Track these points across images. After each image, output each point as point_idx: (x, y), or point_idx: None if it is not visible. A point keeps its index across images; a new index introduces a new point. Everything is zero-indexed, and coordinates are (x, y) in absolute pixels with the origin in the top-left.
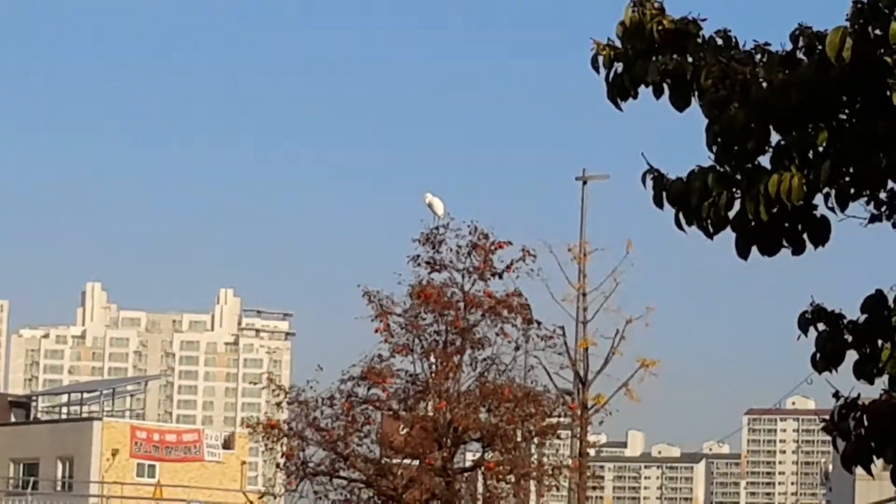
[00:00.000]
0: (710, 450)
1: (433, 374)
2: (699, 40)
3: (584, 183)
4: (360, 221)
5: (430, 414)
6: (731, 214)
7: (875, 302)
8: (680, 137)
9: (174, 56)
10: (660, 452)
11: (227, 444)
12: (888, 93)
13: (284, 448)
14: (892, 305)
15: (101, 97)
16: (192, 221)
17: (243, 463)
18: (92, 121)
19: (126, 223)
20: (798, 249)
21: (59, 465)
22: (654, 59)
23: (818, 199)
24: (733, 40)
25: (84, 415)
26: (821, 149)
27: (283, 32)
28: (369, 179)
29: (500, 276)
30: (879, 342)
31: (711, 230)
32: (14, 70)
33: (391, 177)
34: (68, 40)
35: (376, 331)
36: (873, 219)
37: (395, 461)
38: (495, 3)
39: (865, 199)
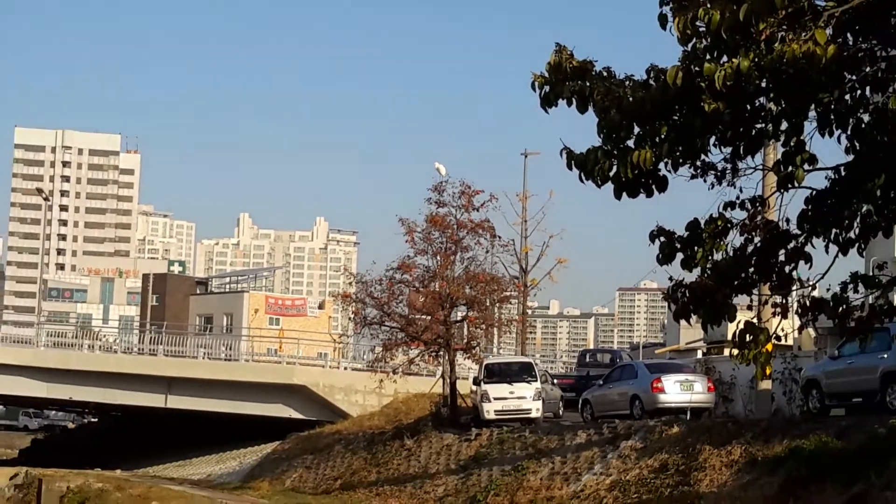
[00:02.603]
0: (597, 311)
1: (439, 267)
2: (593, 73)
3: (525, 157)
4: (400, 178)
5: (437, 290)
6: (611, 174)
7: (693, 225)
8: (582, 130)
9: None
10: (567, 312)
11: (321, 307)
12: (702, 104)
13: (353, 309)
14: (702, 228)
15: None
16: (302, 161)
17: (330, 318)
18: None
19: (265, 164)
20: (649, 194)
21: (225, 318)
22: (567, 83)
23: (661, 165)
24: (613, 73)
25: (239, 289)
26: (662, 136)
27: None
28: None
29: (478, 210)
30: (695, 248)
31: (599, 183)
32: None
33: (415, 150)
34: None
35: (406, 241)
36: (693, 177)
37: (417, 317)
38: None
39: (689, 165)
